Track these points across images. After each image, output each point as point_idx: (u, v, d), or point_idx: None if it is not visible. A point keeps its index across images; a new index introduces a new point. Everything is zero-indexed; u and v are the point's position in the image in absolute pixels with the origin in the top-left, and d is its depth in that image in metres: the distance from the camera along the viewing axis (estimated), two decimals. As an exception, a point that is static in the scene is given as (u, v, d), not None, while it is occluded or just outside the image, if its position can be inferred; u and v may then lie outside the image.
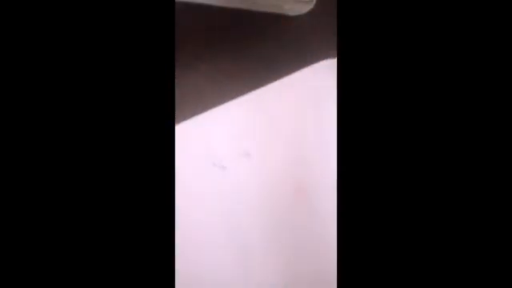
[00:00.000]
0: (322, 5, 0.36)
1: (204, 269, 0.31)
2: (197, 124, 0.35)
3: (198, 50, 0.35)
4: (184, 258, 0.27)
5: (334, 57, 0.36)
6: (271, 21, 0.39)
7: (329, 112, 0.35)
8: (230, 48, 0.37)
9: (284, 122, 0.35)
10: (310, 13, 0.36)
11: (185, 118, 0.34)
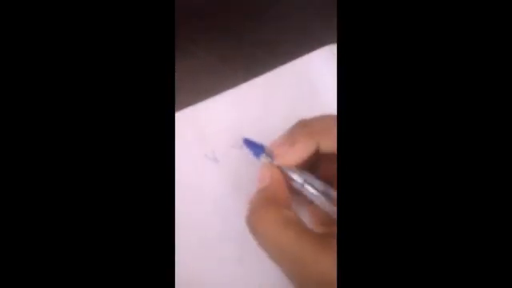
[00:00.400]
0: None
1: (201, 266, 0.30)
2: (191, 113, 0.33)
3: (195, 34, 0.33)
4: (182, 254, 0.26)
5: (335, 42, 0.35)
6: (270, 3, 0.37)
7: (327, 101, 0.33)
8: (229, 32, 0.35)
9: (280, 111, 0.33)
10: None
11: (181, 106, 0.32)
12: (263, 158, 0.27)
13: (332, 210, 0.25)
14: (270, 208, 0.24)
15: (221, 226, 0.30)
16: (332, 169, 0.23)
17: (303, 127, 0.26)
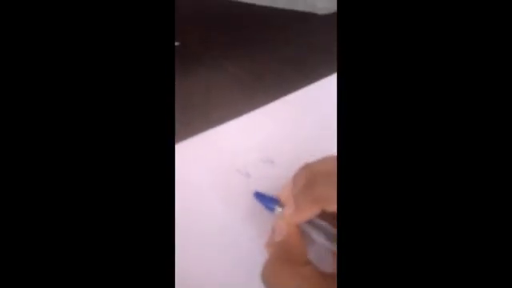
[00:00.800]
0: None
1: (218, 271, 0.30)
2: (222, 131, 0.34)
3: (227, 49, 0.34)
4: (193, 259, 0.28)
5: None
6: (294, 20, 0.38)
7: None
8: (257, 49, 0.35)
9: (307, 129, 0.35)
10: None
11: (214, 124, 0.33)
12: (277, 212, 0.28)
13: None
14: (285, 265, 0.24)
15: (254, 231, 0.31)
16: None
17: (307, 188, 0.26)
